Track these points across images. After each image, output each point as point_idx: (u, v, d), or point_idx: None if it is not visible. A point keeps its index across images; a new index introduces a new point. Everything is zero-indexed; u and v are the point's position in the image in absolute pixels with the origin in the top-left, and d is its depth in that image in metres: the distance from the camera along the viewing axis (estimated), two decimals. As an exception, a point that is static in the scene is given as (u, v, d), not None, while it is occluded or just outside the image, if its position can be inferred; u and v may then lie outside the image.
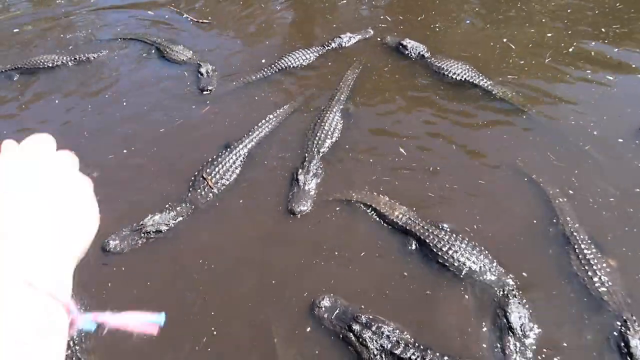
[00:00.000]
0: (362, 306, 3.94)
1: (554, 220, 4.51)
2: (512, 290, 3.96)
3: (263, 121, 5.85)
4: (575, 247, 4.20)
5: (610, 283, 3.92)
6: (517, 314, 3.76)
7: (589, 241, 4.27)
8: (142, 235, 4.49)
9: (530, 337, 3.70)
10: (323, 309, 3.86)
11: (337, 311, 3.84)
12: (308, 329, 3.83)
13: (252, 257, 4.41)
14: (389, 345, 3.58)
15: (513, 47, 7.09)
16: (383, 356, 3.57)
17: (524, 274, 4.11)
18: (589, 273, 3.99)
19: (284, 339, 3.77)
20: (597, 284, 3.92)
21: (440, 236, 4.30)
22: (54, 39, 8.19)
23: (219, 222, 4.79)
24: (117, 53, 7.61)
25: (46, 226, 0.96)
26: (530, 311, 3.85)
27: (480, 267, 4.09)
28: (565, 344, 3.66)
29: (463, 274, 4.07)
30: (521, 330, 3.69)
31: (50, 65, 7.24)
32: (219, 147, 5.52)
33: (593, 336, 3.67)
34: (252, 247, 4.49)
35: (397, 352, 3.55)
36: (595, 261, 4.06)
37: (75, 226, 1.02)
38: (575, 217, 4.50)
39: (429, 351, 3.56)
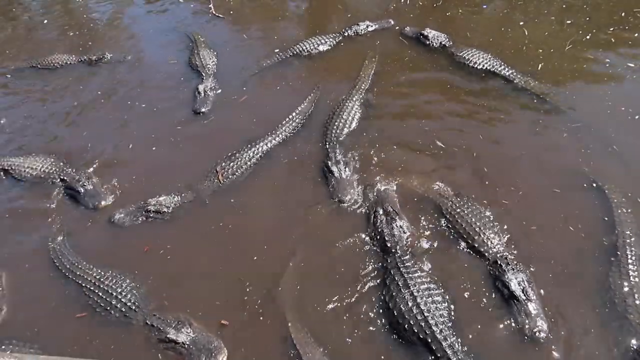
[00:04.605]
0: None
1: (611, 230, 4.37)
2: (504, 258, 4.05)
3: (283, 122, 5.79)
4: (621, 259, 4.07)
5: None
6: (516, 280, 3.84)
7: (639, 256, 4.10)
8: (144, 213, 4.87)
9: (534, 299, 3.75)
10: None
11: None
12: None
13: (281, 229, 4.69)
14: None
15: (533, 34, 7.09)
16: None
17: (562, 277, 4.08)
18: (623, 288, 3.88)
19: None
20: (626, 300, 3.81)
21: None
22: (72, 35, 8.24)
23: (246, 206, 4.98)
24: (135, 52, 7.64)
25: None
26: (527, 274, 3.92)
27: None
28: (572, 347, 3.63)
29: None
30: (524, 295, 3.77)
31: (62, 64, 7.30)
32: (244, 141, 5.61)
33: (604, 349, 3.62)
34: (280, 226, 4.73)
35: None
36: (635, 277, 3.94)
37: None
38: (632, 227, 4.32)
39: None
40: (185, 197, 5.03)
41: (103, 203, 5.07)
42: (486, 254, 4.18)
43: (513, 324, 3.75)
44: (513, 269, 3.95)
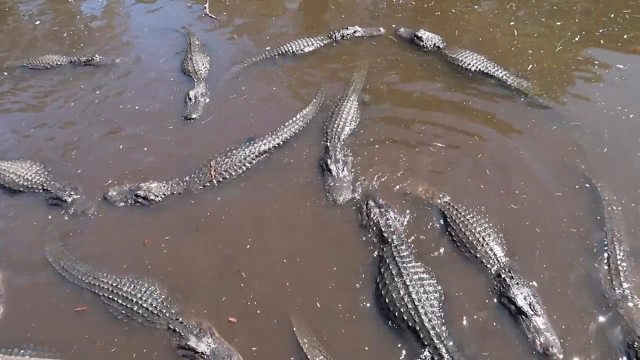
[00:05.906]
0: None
1: (600, 226, 4.44)
2: (508, 272, 4.02)
3: (285, 124, 5.79)
4: (610, 255, 4.13)
5: (631, 297, 3.85)
6: (522, 295, 3.80)
7: (628, 252, 4.14)
8: (133, 197, 5.00)
9: (542, 313, 3.73)
10: None
11: None
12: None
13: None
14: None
15: (523, 35, 7.19)
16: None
17: (552, 273, 4.11)
18: (613, 282, 3.94)
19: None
20: (617, 295, 3.86)
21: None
22: (65, 36, 8.28)
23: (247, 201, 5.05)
24: (129, 53, 7.68)
25: None
26: (532, 288, 3.92)
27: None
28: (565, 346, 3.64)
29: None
30: (532, 310, 3.73)
31: (52, 65, 7.33)
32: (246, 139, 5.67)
33: (596, 344, 3.65)
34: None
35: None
36: (624, 274, 3.99)
37: None
38: (621, 225, 4.39)
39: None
40: (175, 188, 5.11)
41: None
42: (488, 266, 4.14)
43: (507, 321, 3.79)
44: (517, 284, 3.90)
